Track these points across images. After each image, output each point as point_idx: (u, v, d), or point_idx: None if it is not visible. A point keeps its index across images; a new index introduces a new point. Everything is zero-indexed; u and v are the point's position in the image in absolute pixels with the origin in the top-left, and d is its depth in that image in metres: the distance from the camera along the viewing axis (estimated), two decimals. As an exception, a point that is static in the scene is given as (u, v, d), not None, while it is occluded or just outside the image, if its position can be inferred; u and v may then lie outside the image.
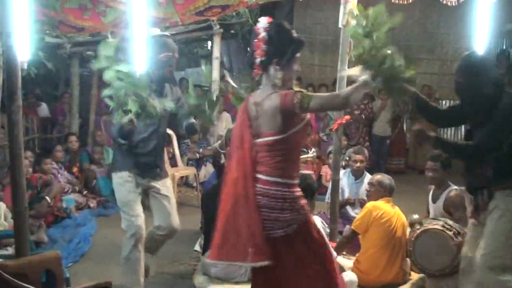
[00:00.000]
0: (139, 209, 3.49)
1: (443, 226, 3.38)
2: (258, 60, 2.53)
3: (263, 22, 2.54)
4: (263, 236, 2.43)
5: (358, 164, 4.85)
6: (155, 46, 3.39)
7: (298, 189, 2.58)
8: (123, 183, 3.47)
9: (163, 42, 3.43)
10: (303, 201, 2.58)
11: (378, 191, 3.95)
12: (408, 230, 3.85)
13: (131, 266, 3.44)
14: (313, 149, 6.36)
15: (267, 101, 2.50)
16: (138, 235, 3.42)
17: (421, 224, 3.57)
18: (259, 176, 2.51)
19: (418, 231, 3.48)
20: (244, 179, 2.49)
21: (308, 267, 2.54)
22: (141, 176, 3.50)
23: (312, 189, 3.44)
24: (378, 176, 4.06)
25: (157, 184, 3.58)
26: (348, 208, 4.88)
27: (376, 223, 3.74)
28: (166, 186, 3.65)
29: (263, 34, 2.50)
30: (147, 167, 3.51)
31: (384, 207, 3.80)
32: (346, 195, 4.86)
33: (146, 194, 3.61)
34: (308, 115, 2.61)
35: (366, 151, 5.06)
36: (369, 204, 3.87)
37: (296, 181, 2.58)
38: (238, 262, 2.50)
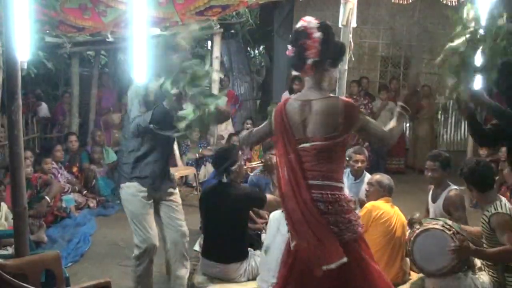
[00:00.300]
0: (153, 222, 3.36)
1: (443, 226, 3.37)
2: (311, 61, 2.41)
3: (313, 22, 2.42)
4: (334, 237, 2.37)
5: (359, 164, 4.83)
6: (167, 47, 3.21)
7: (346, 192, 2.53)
8: (136, 193, 3.29)
9: (176, 42, 3.25)
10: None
11: (377, 191, 3.94)
12: (408, 230, 3.85)
13: (143, 271, 3.39)
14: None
15: (321, 105, 2.43)
16: (152, 252, 3.35)
17: (420, 223, 3.56)
18: (311, 182, 2.41)
19: (417, 231, 3.46)
20: (298, 188, 2.40)
21: (374, 272, 2.50)
22: (153, 188, 3.34)
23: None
24: (377, 176, 4.06)
25: (170, 191, 3.49)
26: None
27: (375, 223, 3.73)
28: (176, 193, 3.56)
29: (317, 34, 2.39)
30: (160, 177, 3.35)
31: (384, 207, 3.79)
32: (346, 195, 4.85)
33: (155, 206, 3.46)
34: None
35: (366, 151, 5.06)
36: (369, 204, 3.86)
37: (344, 184, 2.53)
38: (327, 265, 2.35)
